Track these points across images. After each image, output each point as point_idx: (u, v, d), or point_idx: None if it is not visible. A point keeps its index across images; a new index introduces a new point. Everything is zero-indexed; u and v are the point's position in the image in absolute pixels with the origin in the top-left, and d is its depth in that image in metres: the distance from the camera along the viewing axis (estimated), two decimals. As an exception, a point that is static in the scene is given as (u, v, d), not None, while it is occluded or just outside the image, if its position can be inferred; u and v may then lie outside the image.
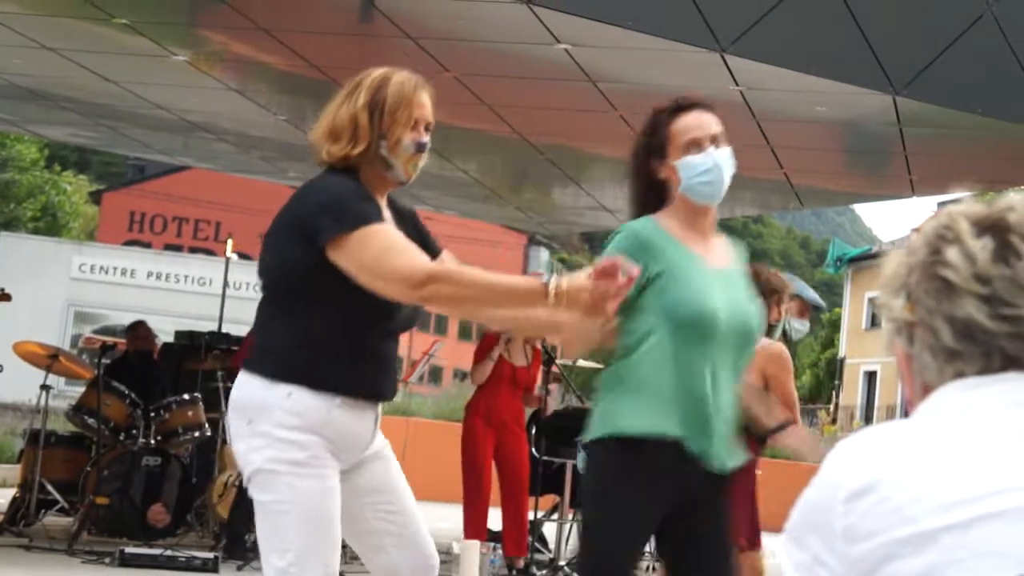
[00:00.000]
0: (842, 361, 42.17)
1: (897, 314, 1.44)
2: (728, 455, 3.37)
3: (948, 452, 1.32)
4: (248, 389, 3.20)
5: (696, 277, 3.37)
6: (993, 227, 1.39)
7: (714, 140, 3.43)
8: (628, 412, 3.30)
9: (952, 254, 1.39)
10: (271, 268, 3.27)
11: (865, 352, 39.72)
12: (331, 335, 3.19)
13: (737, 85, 7.69)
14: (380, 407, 3.39)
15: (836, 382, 41.44)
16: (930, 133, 8.56)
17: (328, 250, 3.11)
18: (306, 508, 3.14)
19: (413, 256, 3.09)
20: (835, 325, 46.27)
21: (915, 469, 1.31)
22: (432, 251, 3.32)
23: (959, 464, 1.31)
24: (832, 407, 35.40)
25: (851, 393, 40.70)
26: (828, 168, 10.54)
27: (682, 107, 3.47)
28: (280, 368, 3.17)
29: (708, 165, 3.40)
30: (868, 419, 36.47)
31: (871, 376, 40.61)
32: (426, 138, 3.29)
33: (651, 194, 3.48)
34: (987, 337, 1.37)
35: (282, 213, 3.25)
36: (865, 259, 38.00)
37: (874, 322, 38.66)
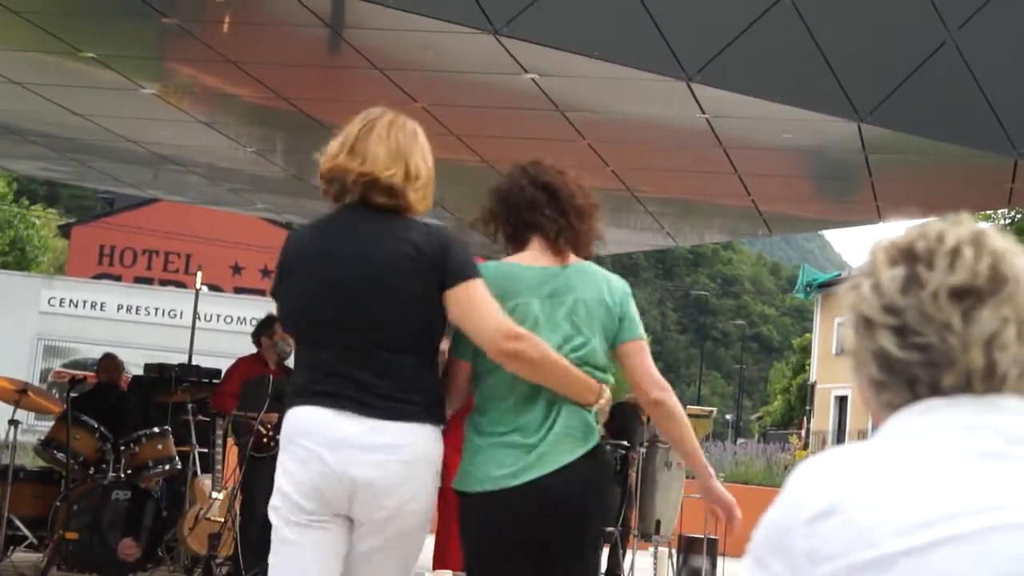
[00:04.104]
0: (813, 386, 42.29)
1: (846, 345, 1.47)
2: None
3: (908, 475, 1.33)
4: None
5: None
6: (905, 257, 1.41)
7: None
8: None
9: (865, 287, 1.42)
10: None
11: (836, 377, 39.83)
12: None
13: (703, 113, 7.73)
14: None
15: (807, 407, 41.55)
16: (895, 159, 8.62)
17: None
18: None
19: None
20: (806, 351, 46.41)
21: (877, 492, 1.32)
22: None
23: (919, 487, 1.31)
24: (804, 432, 35.46)
25: (822, 418, 40.80)
26: (795, 195, 10.59)
27: None
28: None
29: None
30: (840, 443, 36.49)
31: (842, 401, 40.71)
32: None
33: None
34: (902, 367, 1.39)
35: None
36: (835, 285, 38.21)
37: (844, 347, 38.79)
